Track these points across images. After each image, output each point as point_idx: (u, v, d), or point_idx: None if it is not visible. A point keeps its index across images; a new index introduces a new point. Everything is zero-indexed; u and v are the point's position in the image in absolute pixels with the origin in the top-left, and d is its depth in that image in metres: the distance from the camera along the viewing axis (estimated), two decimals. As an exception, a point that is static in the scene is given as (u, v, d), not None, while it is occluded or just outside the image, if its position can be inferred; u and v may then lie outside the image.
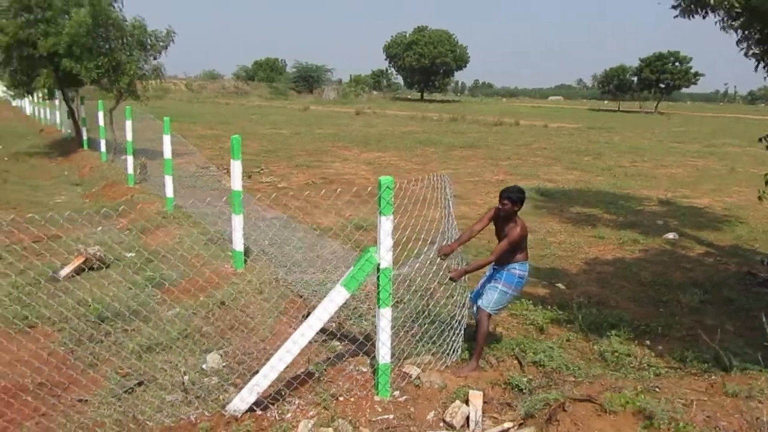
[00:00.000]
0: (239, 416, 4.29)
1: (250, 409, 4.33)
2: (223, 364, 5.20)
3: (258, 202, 11.29)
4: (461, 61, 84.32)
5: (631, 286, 7.53)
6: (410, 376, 4.69)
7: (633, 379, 4.82)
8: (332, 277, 6.73)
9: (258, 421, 4.28)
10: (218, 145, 20.97)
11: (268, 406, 4.39)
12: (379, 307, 4.35)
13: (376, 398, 4.47)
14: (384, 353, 4.40)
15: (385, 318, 4.35)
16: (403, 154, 20.29)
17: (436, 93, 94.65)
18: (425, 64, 79.74)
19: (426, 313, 5.66)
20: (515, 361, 5.05)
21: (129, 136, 12.13)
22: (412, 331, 5.33)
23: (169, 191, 9.79)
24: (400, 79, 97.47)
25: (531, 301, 6.54)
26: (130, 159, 12.25)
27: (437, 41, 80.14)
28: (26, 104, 29.95)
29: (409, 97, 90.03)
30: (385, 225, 4.21)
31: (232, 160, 7.09)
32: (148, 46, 15.88)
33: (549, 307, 6.43)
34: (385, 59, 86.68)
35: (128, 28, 15.53)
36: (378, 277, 4.28)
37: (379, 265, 4.26)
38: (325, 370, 4.87)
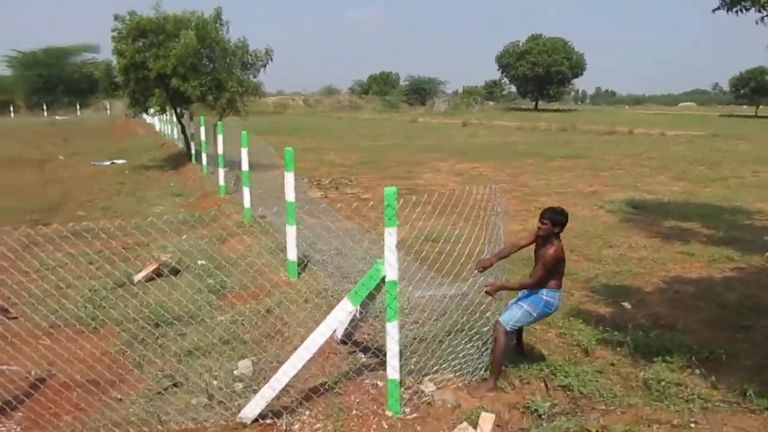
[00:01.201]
0: (248, 423, 4.37)
1: (261, 417, 4.40)
2: (254, 371, 5.32)
3: (336, 213, 11.55)
4: (578, 68, 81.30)
5: (709, 308, 6.84)
6: (424, 393, 4.55)
7: (673, 411, 4.38)
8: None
9: (265, 429, 4.34)
10: (318, 158, 21.64)
11: (280, 415, 4.44)
12: (387, 321, 4.27)
13: (387, 414, 4.38)
14: (393, 368, 4.31)
15: (392, 332, 4.27)
16: (497, 165, 19.87)
17: (552, 102, 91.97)
18: (539, 73, 77.67)
19: (459, 328, 5.47)
20: (542, 384, 4.75)
21: (220, 150, 12.83)
22: (432, 347, 5.16)
23: (247, 202, 10.23)
24: (514, 89, 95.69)
25: (584, 320, 6.14)
26: (221, 171, 12.94)
27: (552, 49, 77.85)
28: (156, 121, 32.55)
29: (522, 107, 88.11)
30: (391, 237, 4.14)
31: (285, 173, 7.27)
32: (249, 65, 16.71)
33: (602, 327, 6.00)
34: (498, 69, 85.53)
35: (231, 49, 16.46)
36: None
37: (384, 277, 4.20)
38: (342, 382, 4.84)
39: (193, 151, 18.66)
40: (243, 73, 16.80)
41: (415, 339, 5.36)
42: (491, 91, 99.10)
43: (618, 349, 5.51)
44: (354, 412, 4.44)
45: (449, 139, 31.78)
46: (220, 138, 12.77)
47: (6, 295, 7.51)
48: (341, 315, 4.30)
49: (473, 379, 4.77)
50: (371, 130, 39.79)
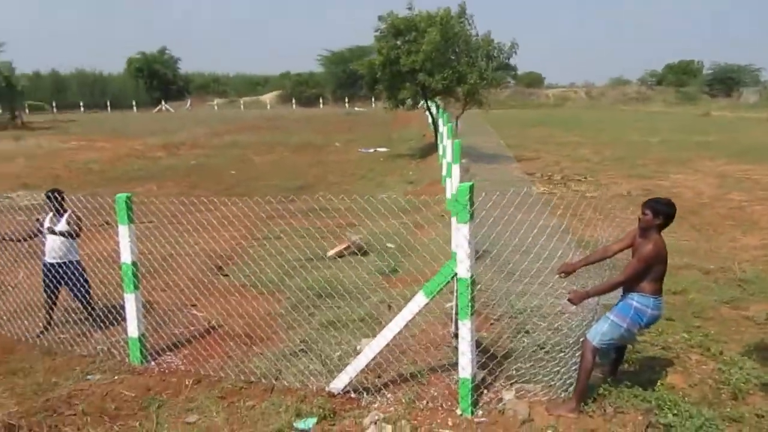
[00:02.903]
0: (336, 394, 4.72)
1: (348, 391, 4.72)
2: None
3: (548, 209, 11.13)
4: None
5: None
6: (501, 400, 4.36)
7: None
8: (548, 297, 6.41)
9: (347, 402, 4.65)
10: (569, 152, 20.82)
11: (365, 392, 4.70)
12: (459, 319, 4.21)
13: (457, 412, 4.33)
14: (465, 366, 4.23)
15: (465, 329, 4.19)
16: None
17: None
18: None
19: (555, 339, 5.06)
20: (639, 418, 4.15)
21: (446, 141, 13.32)
22: (525, 354, 4.86)
23: (449, 193, 10.51)
24: None
25: (747, 351, 5.10)
26: (445, 162, 13.44)
27: None
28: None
29: None
30: (462, 232, 4.08)
31: (453, 165, 7.36)
32: (492, 58, 16.88)
33: (776, 367, 4.91)
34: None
35: (475, 43, 16.81)
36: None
37: (456, 273, 4.15)
38: (432, 374, 4.88)
39: (439, 142, 19.55)
40: (487, 66, 16.95)
41: (523, 346, 5.12)
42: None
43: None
44: (428, 404, 4.48)
45: (737, 136, 27.56)
46: (444, 129, 13.24)
47: (231, 256, 9.11)
48: (414, 307, 4.37)
49: (561, 396, 4.39)
50: (649, 123, 36.50)
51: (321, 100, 67.62)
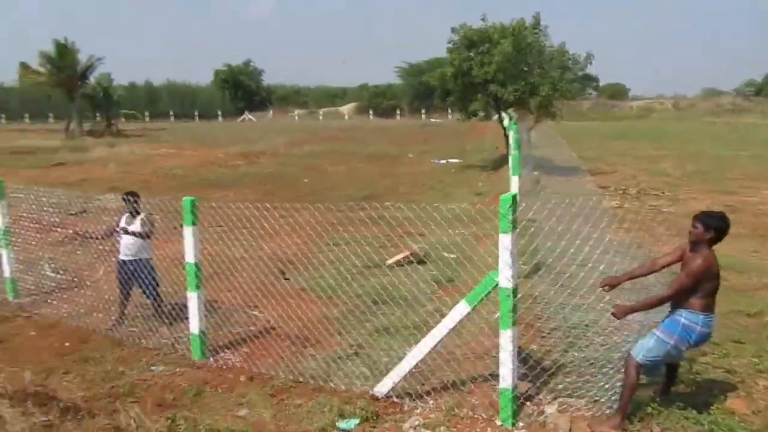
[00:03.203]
0: (379, 397, 4.82)
1: (390, 395, 4.80)
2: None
3: (616, 224, 10.81)
4: None
5: None
6: (543, 413, 4.32)
7: None
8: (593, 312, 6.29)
9: (390, 406, 4.73)
10: (648, 166, 20.10)
11: (407, 396, 4.78)
12: (500, 328, 4.21)
13: (497, 422, 4.32)
14: (505, 376, 4.23)
15: (505, 339, 4.19)
16: None
17: None
18: None
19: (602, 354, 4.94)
20: (686, 438, 4.00)
21: (512, 152, 13.18)
22: (571, 368, 4.76)
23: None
24: None
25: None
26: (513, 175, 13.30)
27: None
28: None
29: None
30: (503, 242, 4.09)
31: (512, 177, 7.33)
32: (566, 69, 16.61)
33: None
34: None
35: (549, 53, 16.59)
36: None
37: (497, 283, 4.16)
38: (475, 382, 4.89)
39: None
40: (560, 77, 16.68)
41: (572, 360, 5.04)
42: None
43: None
44: (468, 412, 4.50)
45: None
46: (511, 141, 13.11)
47: (295, 261, 9.39)
48: (455, 315, 4.41)
49: (605, 413, 4.29)
50: (742, 136, 34.62)
51: (398, 112, 68.25)
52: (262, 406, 4.86)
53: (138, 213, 6.71)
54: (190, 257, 5.69)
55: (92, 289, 7.51)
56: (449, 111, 63.94)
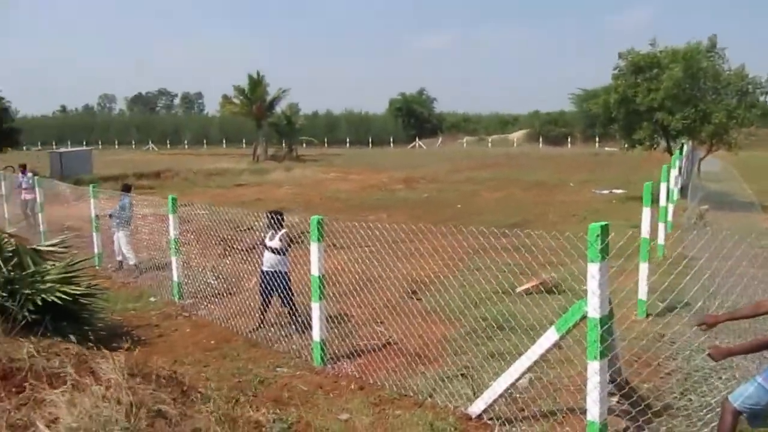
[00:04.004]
0: (472, 417, 4.94)
1: (481, 416, 4.90)
2: (528, 386, 5.70)
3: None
4: None
5: None
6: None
7: None
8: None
9: (479, 426, 4.85)
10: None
11: (498, 418, 4.85)
12: (587, 358, 4.15)
13: (584, 457, 4.24)
14: (590, 408, 4.15)
15: (593, 372, 4.12)
16: None
17: None
18: None
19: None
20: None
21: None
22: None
23: (660, 239, 9.86)
24: None
25: None
26: (670, 206, 12.50)
27: None
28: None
29: None
30: (591, 272, 4.06)
31: (644, 208, 7.03)
32: (746, 94, 15.28)
33: None
34: None
35: (726, 78, 15.38)
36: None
37: (586, 314, 4.12)
38: (573, 414, 4.80)
39: (678, 186, 18.04)
40: (739, 103, 15.33)
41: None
42: None
43: None
44: (557, 443, 4.46)
45: None
46: (673, 172, 12.34)
47: (429, 283, 9.72)
48: (544, 342, 4.42)
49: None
50: None
51: (569, 140, 66.15)
52: (363, 413, 5.20)
53: (280, 229, 7.48)
54: (315, 271, 6.26)
55: (242, 297, 8.44)
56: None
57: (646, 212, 7.03)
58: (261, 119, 46.42)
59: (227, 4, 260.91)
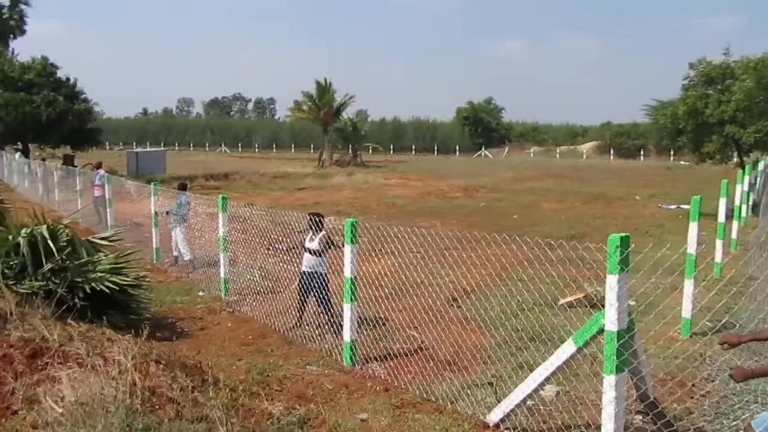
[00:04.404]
0: (490, 425, 4.91)
1: (498, 425, 4.87)
2: (554, 397, 5.60)
3: None
4: None
5: None
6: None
7: None
8: None
9: (494, 433, 4.80)
10: None
11: (515, 428, 4.80)
12: (603, 372, 4.06)
13: (596, 472, 4.15)
14: (604, 422, 4.05)
15: (609, 386, 4.02)
16: None
17: None
18: None
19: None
20: None
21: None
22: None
23: (717, 256, 9.44)
24: None
25: None
26: (734, 223, 11.94)
27: None
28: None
29: None
30: (609, 283, 3.98)
31: (691, 223, 6.78)
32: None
33: None
34: None
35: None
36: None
37: (603, 326, 4.03)
38: (587, 429, 4.69)
39: (750, 202, 17.17)
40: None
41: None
42: None
43: None
44: (571, 455, 4.37)
45: None
46: (739, 187, 11.78)
47: (471, 291, 9.66)
48: (561, 354, 4.35)
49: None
50: None
51: (642, 152, 63.93)
52: (383, 414, 5.25)
53: (319, 232, 7.64)
54: (347, 272, 6.36)
55: (285, 296, 8.66)
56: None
57: (693, 227, 6.78)
58: (327, 125, 47.25)
59: (303, 12, 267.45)
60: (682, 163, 53.91)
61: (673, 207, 21.62)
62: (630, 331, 4.08)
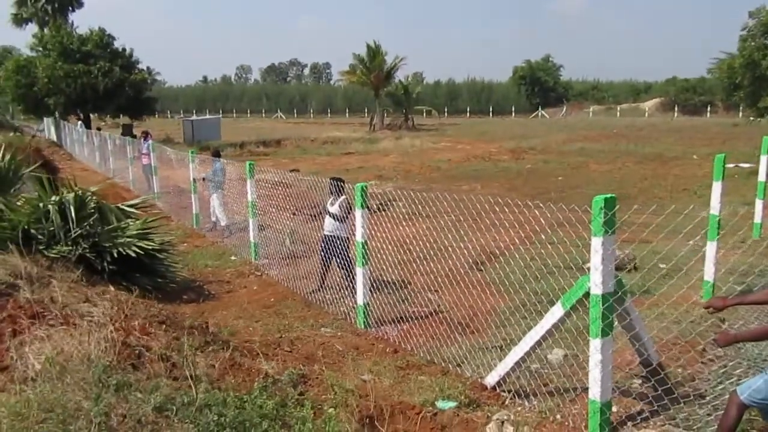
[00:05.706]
0: (487, 387, 4.96)
1: (494, 387, 4.91)
2: (561, 361, 5.59)
3: None
4: None
5: None
6: (633, 434, 4.00)
7: None
8: None
9: (491, 396, 4.87)
10: None
11: (510, 391, 4.84)
12: (589, 336, 4.03)
13: (584, 434, 4.16)
14: (591, 386, 4.04)
15: (594, 350, 4.00)
16: None
17: None
18: None
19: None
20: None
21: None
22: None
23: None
24: None
25: None
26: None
27: None
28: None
29: None
30: (594, 246, 3.92)
31: (714, 183, 6.51)
32: None
33: None
34: None
35: None
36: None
37: (589, 290, 3.99)
38: (586, 394, 4.67)
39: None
40: None
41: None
42: None
43: None
44: (561, 419, 4.39)
45: None
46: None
47: (498, 255, 9.61)
48: (550, 318, 4.34)
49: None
50: None
51: (709, 108, 60.85)
52: (387, 375, 5.37)
53: (340, 196, 7.74)
54: (359, 236, 6.46)
55: (312, 260, 8.86)
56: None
57: (716, 187, 6.51)
58: (378, 88, 47.01)
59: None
60: (752, 119, 51.24)
61: (730, 166, 20.60)
62: (617, 294, 4.02)
